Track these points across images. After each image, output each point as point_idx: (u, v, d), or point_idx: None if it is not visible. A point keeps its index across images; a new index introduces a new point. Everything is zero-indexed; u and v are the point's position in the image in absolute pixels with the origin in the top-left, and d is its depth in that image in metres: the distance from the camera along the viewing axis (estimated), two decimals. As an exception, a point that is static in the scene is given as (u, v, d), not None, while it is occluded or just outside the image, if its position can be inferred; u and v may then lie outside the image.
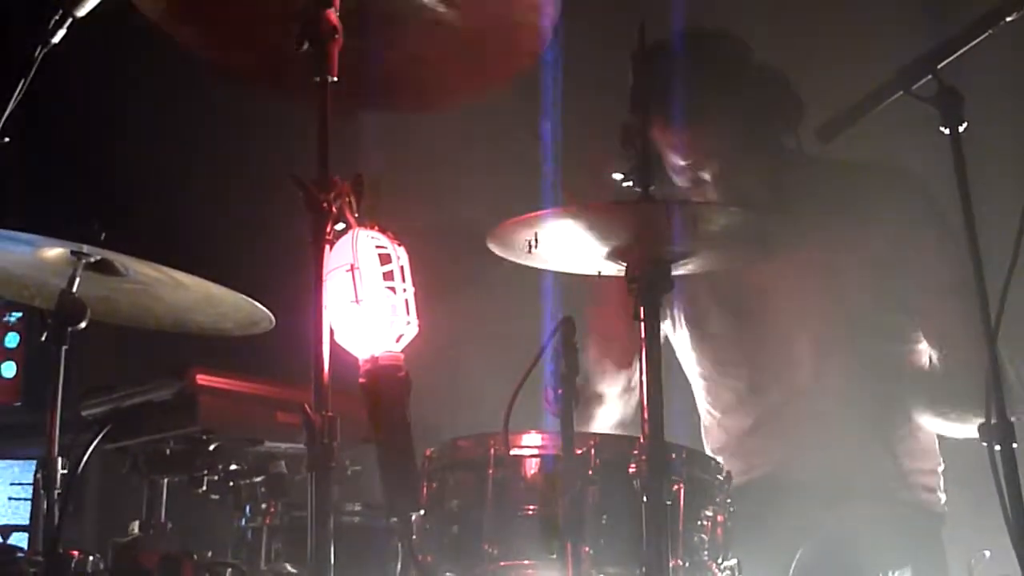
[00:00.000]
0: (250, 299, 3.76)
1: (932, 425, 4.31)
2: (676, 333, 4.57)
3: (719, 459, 3.92)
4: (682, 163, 4.25)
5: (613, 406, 4.61)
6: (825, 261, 4.27)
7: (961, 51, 3.51)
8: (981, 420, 3.37)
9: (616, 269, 3.47)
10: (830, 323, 4.33)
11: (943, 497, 4.35)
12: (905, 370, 4.35)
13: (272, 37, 3.39)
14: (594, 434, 3.51)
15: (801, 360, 4.36)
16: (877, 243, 4.25)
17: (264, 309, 3.79)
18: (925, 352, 4.35)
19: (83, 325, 3.68)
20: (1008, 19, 3.48)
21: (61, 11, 3.67)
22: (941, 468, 4.37)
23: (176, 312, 3.91)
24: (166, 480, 3.80)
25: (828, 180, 4.29)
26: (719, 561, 3.50)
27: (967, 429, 4.10)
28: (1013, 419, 3.41)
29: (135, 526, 3.71)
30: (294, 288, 3.15)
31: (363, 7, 3.36)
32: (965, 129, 3.45)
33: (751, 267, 4.26)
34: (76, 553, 3.59)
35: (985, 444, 3.36)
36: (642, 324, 3.38)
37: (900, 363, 4.33)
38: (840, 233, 4.24)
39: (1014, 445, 3.33)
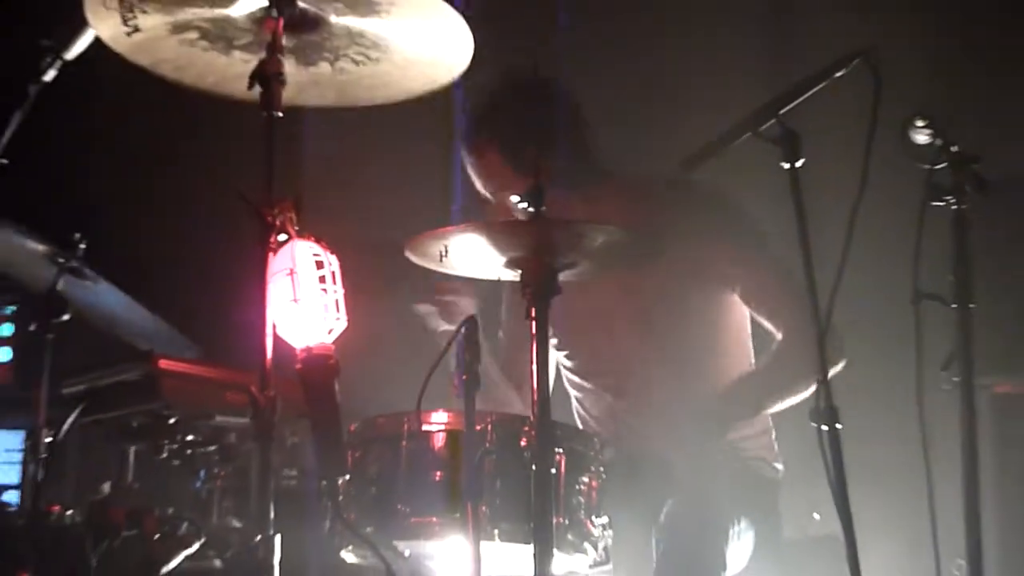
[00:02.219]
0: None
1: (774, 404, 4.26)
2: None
3: (595, 434, 3.96)
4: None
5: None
6: (668, 276, 4.24)
7: (799, 100, 3.52)
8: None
9: (513, 276, 3.47)
10: (669, 326, 4.32)
11: (779, 467, 4.33)
12: (739, 362, 4.37)
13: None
14: (491, 412, 3.50)
15: (648, 360, 4.34)
16: (717, 263, 4.27)
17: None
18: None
19: (66, 317, 3.69)
20: (837, 74, 3.52)
21: (53, 54, 3.72)
22: (773, 435, 4.38)
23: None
24: (133, 448, 3.75)
25: (680, 204, 4.27)
26: (593, 519, 3.53)
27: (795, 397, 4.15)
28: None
29: (106, 486, 3.67)
30: (243, 288, 3.13)
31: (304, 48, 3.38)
32: (802, 164, 3.46)
33: (599, 287, 4.20)
34: (56, 508, 3.59)
35: (815, 425, 3.37)
36: (533, 322, 3.38)
37: (733, 357, 4.36)
38: (684, 254, 4.19)
39: (838, 426, 3.35)
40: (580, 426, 4.45)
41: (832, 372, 3.50)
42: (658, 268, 4.13)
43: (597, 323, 4.40)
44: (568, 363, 4.52)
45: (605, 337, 4.41)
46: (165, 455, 3.72)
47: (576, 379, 4.51)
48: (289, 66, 3.25)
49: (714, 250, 4.24)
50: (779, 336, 4.28)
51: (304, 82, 3.41)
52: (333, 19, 3.31)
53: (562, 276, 3.46)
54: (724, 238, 4.23)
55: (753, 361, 4.43)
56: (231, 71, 3.37)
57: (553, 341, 4.39)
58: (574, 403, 4.55)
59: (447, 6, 3.27)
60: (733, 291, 4.32)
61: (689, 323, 4.29)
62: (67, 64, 3.72)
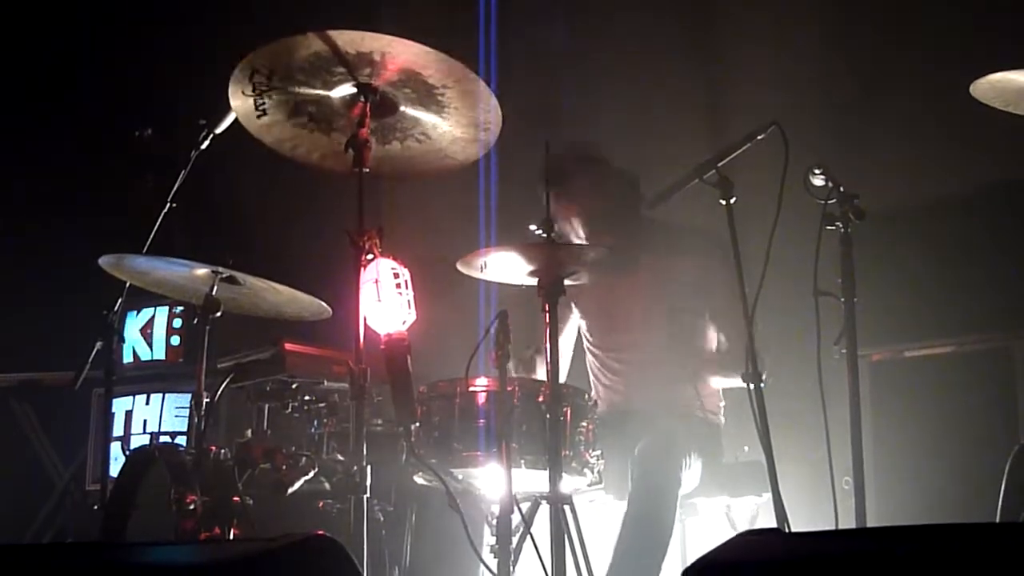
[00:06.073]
0: (318, 299, 3.74)
1: (718, 383, 4.20)
2: (580, 330, 4.41)
3: (590, 393, 3.88)
4: (572, 229, 4.18)
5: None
6: (655, 283, 4.18)
7: (732, 156, 3.54)
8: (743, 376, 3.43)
9: (533, 282, 3.44)
10: (657, 320, 4.17)
11: (722, 417, 4.24)
12: (703, 346, 4.21)
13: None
14: (517, 378, 3.49)
15: (641, 341, 4.21)
16: (686, 275, 4.15)
17: (325, 305, 3.73)
18: (713, 337, 4.24)
19: (219, 314, 3.68)
20: (759, 137, 3.53)
21: (207, 130, 3.76)
22: (722, 404, 4.25)
23: (273, 306, 3.84)
24: (266, 405, 3.74)
25: (660, 236, 4.20)
26: (590, 452, 3.53)
27: (734, 381, 4.10)
28: (764, 375, 3.46)
29: (248, 432, 3.67)
30: (344, 292, 3.18)
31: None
32: (735, 201, 3.49)
33: (613, 288, 4.17)
34: (213, 448, 3.59)
35: (744, 383, 3.43)
36: (546, 315, 3.40)
37: (700, 341, 4.22)
38: (665, 268, 4.17)
39: (762, 385, 3.40)
40: (593, 381, 4.34)
41: (764, 376, 3.49)
42: (656, 282, 4.15)
43: (613, 316, 4.29)
44: (591, 338, 4.38)
45: (618, 324, 4.29)
46: (289, 410, 3.74)
47: (595, 350, 4.37)
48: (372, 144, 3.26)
49: (696, 275, 4.16)
50: (723, 340, 4.20)
51: (382, 157, 3.42)
52: (403, 108, 3.32)
53: (567, 281, 3.46)
54: (707, 273, 4.13)
55: (713, 348, 4.26)
56: (331, 150, 3.38)
57: (584, 325, 4.37)
58: (589, 366, 4.38)
59: (486, 88, 3.26)
60: (702, 309, 4.21)
61: (674, 319, 4.18)
62: (216, 136, 3.77)
